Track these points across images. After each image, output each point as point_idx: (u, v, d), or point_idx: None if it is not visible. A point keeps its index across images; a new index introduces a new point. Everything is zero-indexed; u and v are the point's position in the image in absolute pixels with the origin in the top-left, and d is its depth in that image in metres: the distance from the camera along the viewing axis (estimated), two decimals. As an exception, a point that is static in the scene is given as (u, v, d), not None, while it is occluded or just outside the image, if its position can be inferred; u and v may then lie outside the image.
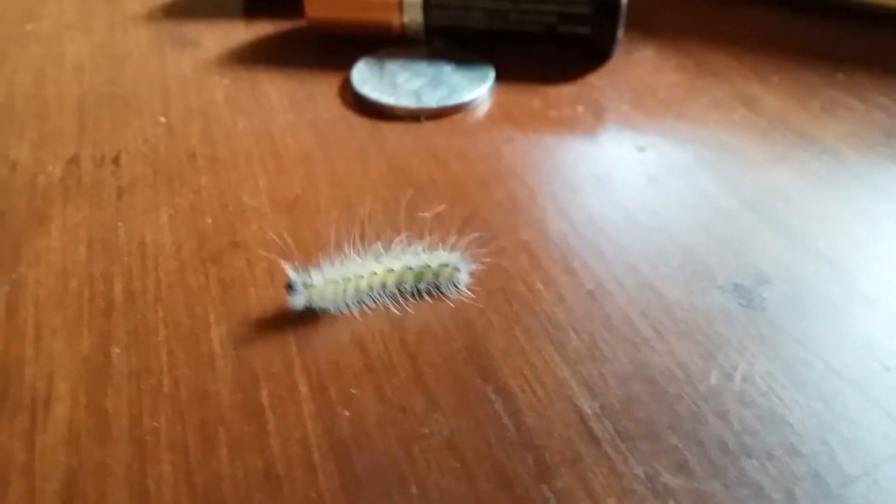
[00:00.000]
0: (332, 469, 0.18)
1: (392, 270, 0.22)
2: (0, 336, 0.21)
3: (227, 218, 0.25)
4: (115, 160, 0.28)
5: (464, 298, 0.22)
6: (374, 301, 0.22)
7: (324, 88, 0.32)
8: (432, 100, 0.30)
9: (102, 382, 0.20)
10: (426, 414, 0.19)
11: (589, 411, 0.19)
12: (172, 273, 0.23)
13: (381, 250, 0.22)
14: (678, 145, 0.28)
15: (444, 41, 0.34)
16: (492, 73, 0.32)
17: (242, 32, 0.36)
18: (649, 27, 0.36)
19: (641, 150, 0.28)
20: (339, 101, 0.31)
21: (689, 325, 0.21)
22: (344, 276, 0.21)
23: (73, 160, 0.28)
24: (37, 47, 0.36)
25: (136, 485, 0.17)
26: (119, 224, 0.25)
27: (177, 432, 0.19)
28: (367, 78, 0.32)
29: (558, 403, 0.19)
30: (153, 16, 0.39)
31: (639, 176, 0.27)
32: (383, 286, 0.22)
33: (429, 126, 0.30)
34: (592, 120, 0.30)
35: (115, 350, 0.21)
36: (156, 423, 0.19)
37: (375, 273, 0.21)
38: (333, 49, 0.35)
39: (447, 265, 0.22)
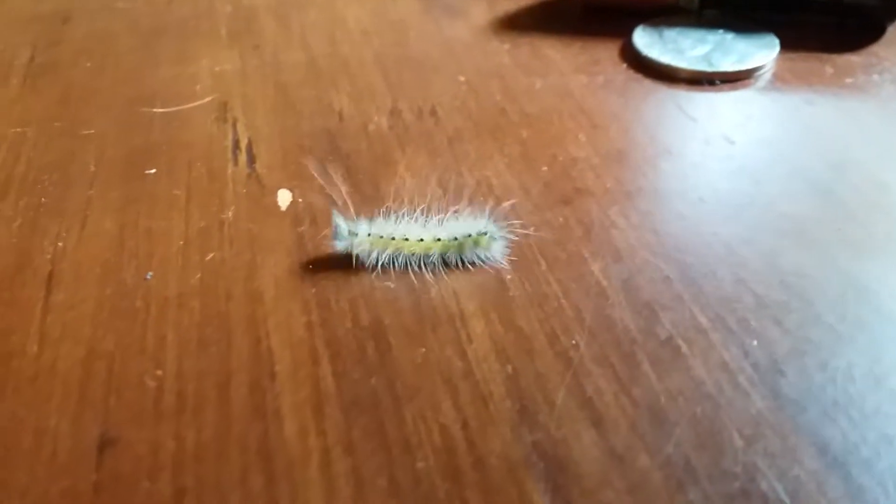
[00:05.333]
0: (763, 391, 0.18)
1: (438, 240, 0.22)
2: (391, 261, 0.23)
3: (562, 167, 0.26)
4: (433, 113, 0.29)
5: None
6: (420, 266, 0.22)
7: (603, 53, 0.33)
8: (725, 64, 0.31)
9: (506, 304, 0.21)
10: (833, 347, 0.19)
11: None
12: (531, 213, 0.24)
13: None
14: None
15: (717, 11, 0.34)
16: (776, 41, 0.32)
17: (504, 4, 0.38)
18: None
19: (960, 116, 0.28)
20: (623, 64, 0.32)
21: None
22: (388, 234, 0.22)
23: (394, 112, 0.30)
24: (317, 12, 0.38)
25: (578, 394, 0.18)
26: (462, 169, 0.26)
27: (595, 350, 0.20)
28: (650, 43, 0.33)
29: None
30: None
31: (967, 140, 0.27)
32: (427, 255, 0.22)
33: (723, 89, 0.30)
34: (893, 88, 0.30)
35: (507, 276, 0.22)
36: (573, 341, 0.20)
37: (421, 240, 0.22)
38: (598, 18, 0.35)
39: (484, 233, 0.22)
